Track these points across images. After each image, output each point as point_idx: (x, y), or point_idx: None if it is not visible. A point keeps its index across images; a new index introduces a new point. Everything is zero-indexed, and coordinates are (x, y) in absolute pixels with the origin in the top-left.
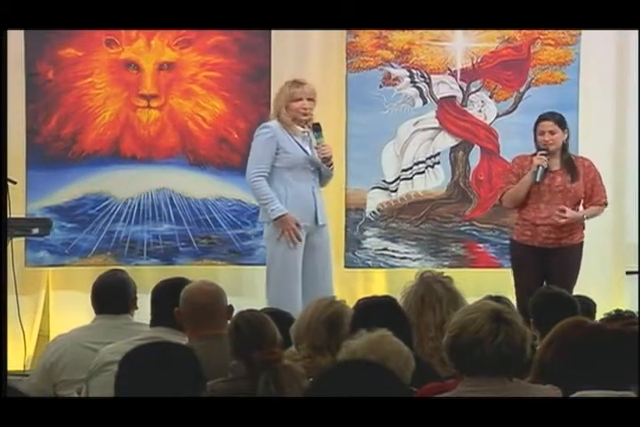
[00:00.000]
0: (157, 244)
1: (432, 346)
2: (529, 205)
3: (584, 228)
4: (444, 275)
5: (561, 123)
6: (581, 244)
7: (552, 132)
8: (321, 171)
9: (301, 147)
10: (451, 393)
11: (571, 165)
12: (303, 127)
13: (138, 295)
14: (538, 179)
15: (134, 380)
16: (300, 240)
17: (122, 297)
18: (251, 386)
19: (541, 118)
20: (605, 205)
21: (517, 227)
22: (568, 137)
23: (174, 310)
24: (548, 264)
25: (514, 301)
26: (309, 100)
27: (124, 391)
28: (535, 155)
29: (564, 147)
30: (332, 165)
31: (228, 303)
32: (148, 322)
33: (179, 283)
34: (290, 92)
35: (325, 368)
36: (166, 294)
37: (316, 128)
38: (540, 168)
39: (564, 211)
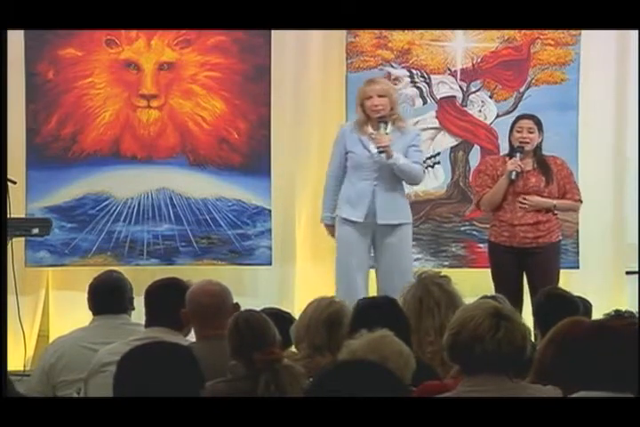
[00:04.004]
0: (157, 244)
1: (432, 350)
2: (505, 206)
3: (560, 226)
4: (442, 275)
5: (539, 124)
6: (559, 242)
7: (530, 131)
8: (394, 170)
9: (365, 147)
10: (451, 393)
11: (544, 165)
12: (376, 126)
13: (137, 296)
14: (513, 176)
15: (132, 380)
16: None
17: (119, 297)
18: (251, 386)
19: (521, 117)
20: (580, 202)
21: (494, 228)
22: (542, 140)
23: (181, 311)
24: (527, 264)
25: None
26: (380, 96)
27: (122, 392)
28: (508, 156)
29: (538, 147)
30: (386, 154)
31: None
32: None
33: (172, 283)
34: (361, 91)
35: (325, 368)
36: (160, 295)
37: (382, 121)
38: (514, 173)
39: (524, 198)
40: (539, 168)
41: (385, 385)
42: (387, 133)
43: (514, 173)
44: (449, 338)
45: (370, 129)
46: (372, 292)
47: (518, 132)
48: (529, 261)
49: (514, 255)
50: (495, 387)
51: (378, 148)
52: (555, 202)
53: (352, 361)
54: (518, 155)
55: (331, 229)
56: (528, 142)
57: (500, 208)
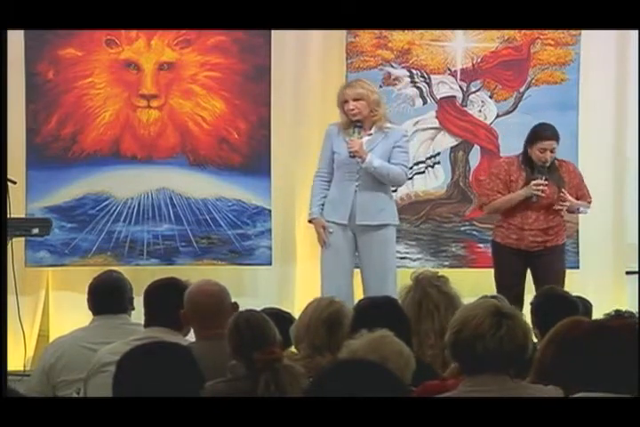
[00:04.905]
0: (157, 244)
1: (432, 353)
2: (515, 210)
3: (566, 229)
4: (439, 275)
5: (559, 139)
6: (564, 244)
7: (553, 151)
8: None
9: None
10: (452, 393)
11: (556, 172)
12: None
13: (137, 295)
14: (535, 200)
15: (132, 380)
16: (324, 242)
17: (119, 297)
18: (251, 386)
19: (545, 137)
20: (590, 202)
21: (502, 230)
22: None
23: (179, 312)
24: (534, 265)
25: None
26: (355, 100)
27: (122, 392)
28: (520, 159)
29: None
30: (358, 158)
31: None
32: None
33: (171, 283)
34: (339, 95)
35: (324, 368)
36: (159, 295)
37: (357, 125)
38: (535, 197)
39: (564, 199)
40: (551, 178)
41: (384, 385)
42: (359, 138)
43: (535, 197)
44: (450, 337)
45: (350, 130)
46: (358, 292)
47: (541, 152)
48: (535, 263)
49: (520, 257)
50: (496, 387)
51: (350, 152)
52: (580, 203)
53: (351, 360)
54: (542, 177)
55: (316, 222)
56: (550, 161)
57: (510, 211)
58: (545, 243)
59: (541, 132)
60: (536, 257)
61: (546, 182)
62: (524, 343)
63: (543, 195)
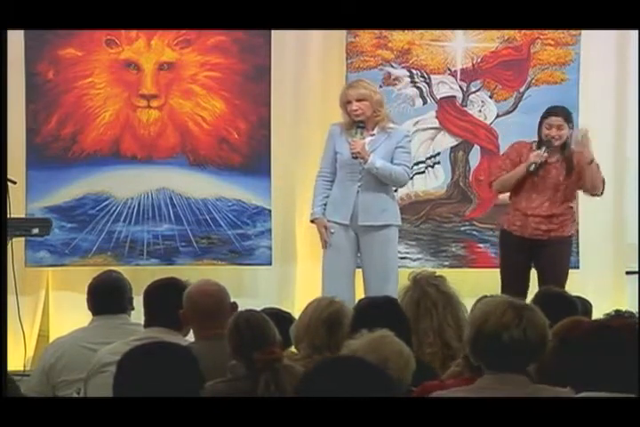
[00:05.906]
0: (157, 244)
1: (431, 351)
2: (521, 194)
3: (574, 221)
4: (437, 275)
5: (569, 119)
6: (571, 237)
7: (559, 128)
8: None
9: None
10: (467, 389)
11: (569, 159)
12: (354, 130)
13: (137, 295)
14: (531, 168)
15: (132, 380)
16: (325, 242)
17: (119, 297)
18: (251, 386)
19: (551, 113)
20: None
21: (509, 216)
22: (571, 133)
23: (179, 312)
24: (536, 256)
25: None
26: (359, 100)
27: (122, 392)
28: (535, 144)
29: (566, 142)
30: (360, 159)
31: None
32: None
33: (170, 283)
34: (341, 95)
35: (313, 365)
36: (159, 295)
37: (359, 126)
38: (533, 165)
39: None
40: (562, 161)
41: (370, 379)
42: (362, 138)
43: (533, 165)
44: (473, 330)
45: (352, 131)
46: (360, 292)
47: (547, 128)
48: (539, 254)
49: (524, 246)
50: (513, 387)
51: (352, 153)
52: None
53: (338, 357)
54: (544, 148)
55: (318, 222)
56: (557, 139)
57: (517, 195)
58: (549, 232)
59: (550, 110)
60: (539, 247)
61: (545, 154)
62: (545, 333)
63: (539, 160)
